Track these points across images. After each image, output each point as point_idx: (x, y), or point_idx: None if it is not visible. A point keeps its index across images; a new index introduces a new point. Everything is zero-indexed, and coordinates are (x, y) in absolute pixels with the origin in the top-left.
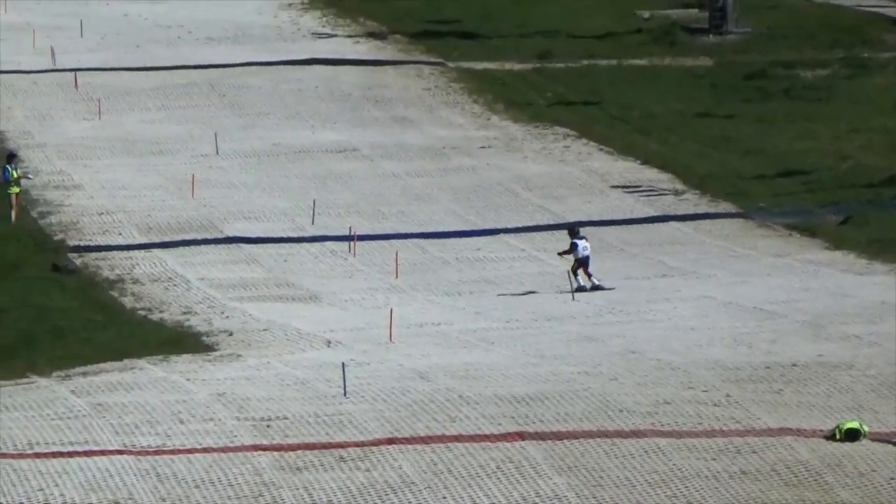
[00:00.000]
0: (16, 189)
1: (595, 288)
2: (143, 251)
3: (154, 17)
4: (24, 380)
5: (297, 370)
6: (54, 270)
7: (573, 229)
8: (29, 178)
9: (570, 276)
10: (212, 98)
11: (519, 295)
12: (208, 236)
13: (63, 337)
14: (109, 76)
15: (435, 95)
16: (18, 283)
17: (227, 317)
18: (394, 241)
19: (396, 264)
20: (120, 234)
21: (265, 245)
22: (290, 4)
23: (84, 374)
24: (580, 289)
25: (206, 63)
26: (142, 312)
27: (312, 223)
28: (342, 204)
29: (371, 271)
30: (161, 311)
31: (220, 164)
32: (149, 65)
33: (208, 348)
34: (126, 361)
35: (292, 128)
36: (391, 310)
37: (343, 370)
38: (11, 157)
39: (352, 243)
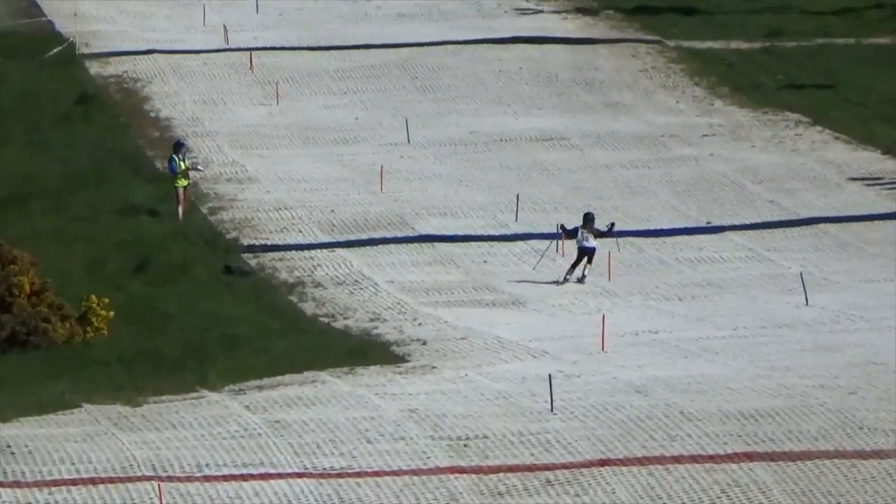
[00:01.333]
0: (184, 182)
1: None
2: (325, 251)
3: None
4: (194, 394)
5: (498, 383)
6: (226, 273)
7: (585, 217)
8: (199, 171)
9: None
10: (403, 81)
11: (744, 299)
12: (399, 234)
13: (236, 347)
14: (289, 57)
15: (652, 78)
16: (186, 286)
17: (420, 324)
18: (609, 240)
19: (609, 265)
20: (300, 231)
21: (462, 244)
22: None
23: (259, 388)
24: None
25: (396, 42)
26: (324, 319)
27: (516, 219)
28: (548, 198)
29: (578, 270)
30: (346, 318)
31: (411, 154)
32: (332, 44)
33: (399, 359)
34: (306, 374)
35: (492, 114)
36: (603, 316)
37: (550, 383)
38: (179, 145)
39: (560, 242)
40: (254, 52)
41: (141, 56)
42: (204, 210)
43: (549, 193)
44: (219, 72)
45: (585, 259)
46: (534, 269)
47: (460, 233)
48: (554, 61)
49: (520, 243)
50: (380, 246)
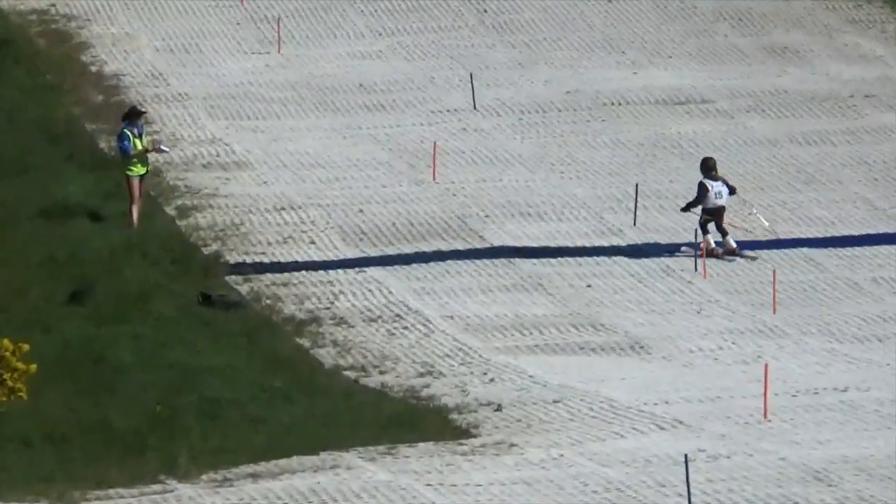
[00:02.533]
0: (140, 169)
1: (730, 253)
2: (350, 271)
3: None
4: (156, 487)
5: (609, 468)
6: (204, 304)
7: (706, 163)
8: (162, 151)
9: (703, 234)
10: (464, 15)
11: None
12: (460, 246)
13: (219, 415)
14: None
15: (836, 11)
16: (145, 325)
17: (493, 380)
18: (770, 252)
19: (774, 290)
20: (312, 241)
21: (555, 260)
22: None
23: (254, 476)
24: (709, 252)
25: None
26: (350, 373)
27: (634, 223)
28: (681, 190)
29: (732, 301)
30: (382, 372)
31: (478, 125)
32: None
33: (462, 433)
34: (324, 456)
35: (599, 65)
36: (766, 366)
37: (686, 468)
38: (133, 115)
39: (699, 256)
40: None
41: None
42: (170, 210)
43: (683, 183)
44: (192, 4)
45: (715, 222)
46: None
47: (551, 243)
48: None
49: (641, 259)
50: (432, 263)
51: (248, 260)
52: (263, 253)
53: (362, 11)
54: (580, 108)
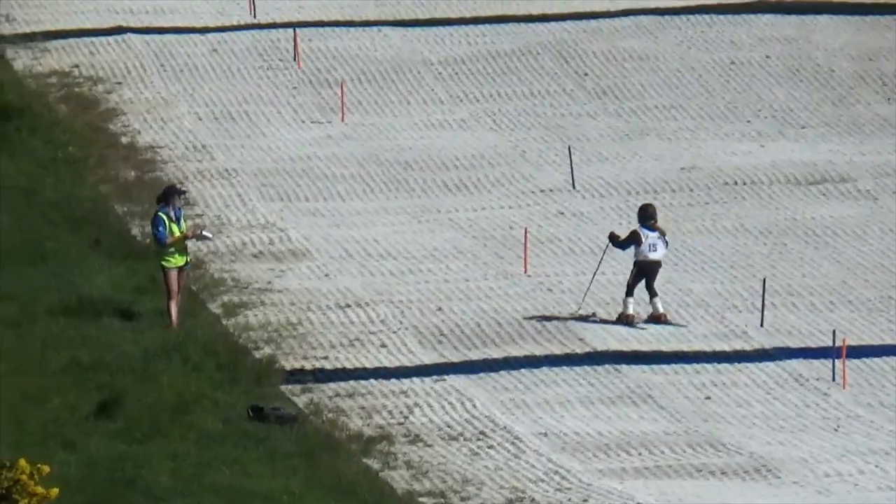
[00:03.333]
0: (177, 259)
1: (654, 319)
2: (427, 379)
3: None
4: None
5: None
6: (254, 418)
7: (646, 210)
8: (205, 238)
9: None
10: (560, 79)
11: None
12: (557, 350)
13: None
14: (360, 38)
15: None
16: (185, 442)
17: None
18: None
19: None
20: (383, 345)
21: (667, 366)
22: None
23: None
24: (625, 318)
25: (546, 13)
26: (426, 500)
27: (761, 323)
28: (818, 285)
29: (875, 417)
30: (465, 498)
31: (577, 207)
32: (436, 15)
33: None
34: None
35: (719, 135)
36: None
37: None
38: (170, 195)
39: (838, 358)
40: (300, 32)
41: (103, 38)
42: (215, 308)
43: (818, 277)
44: (240, 65)
45: (645, 280)
46: (578, 309)
47: (664, 347)
48: (827, 44)
49: (769, 365)
50: (523, 371)
51: (307, 366)
52: (325, 357)
53: (440, 74)
54: (697, 188)
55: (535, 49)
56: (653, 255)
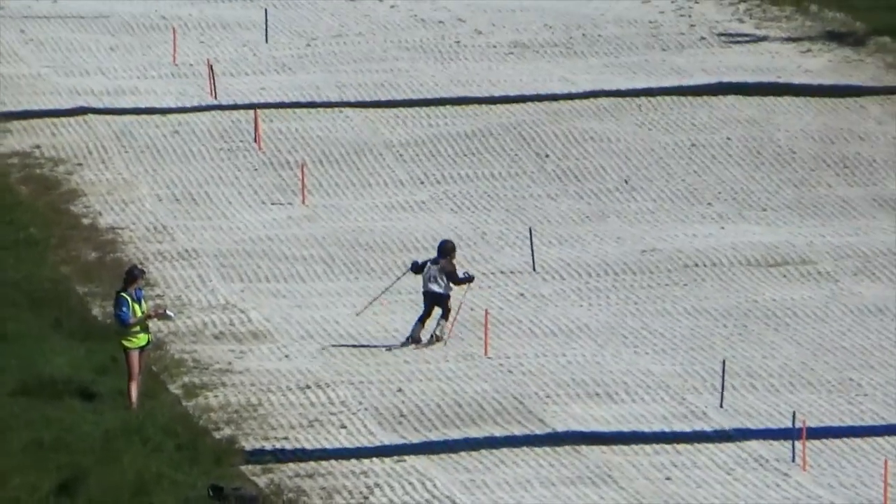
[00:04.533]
0: (139, 340)
1: (415, 341)
2: (388, 460)
3: (410, 6)
4: None
5: None
6: (215, 498)
7: (445, 246)
8: (168, 318)
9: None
10: (522, 161)
11: None
12: (516, 430)
13: None
14: (321, 119)
15: None
16: None
17: None
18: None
19: (886, 484)
20: (343, 425)
21: (627, 447)
22: None
23: None
24: (412, 338)
25: (508, 94)
26: None
27: (721, 404)
28: (778, 366)
29: (836, 498)
30: None
31: (538, 290)
32: (397, 97)
33: None
34: None
35: (680, 217)
36: None
37: None
38: (133, 277)
39: (798, 439)
40: (261, 112)
41: (65, 119)
42: (175, 389)
43: (778, 359)
44: (201, 146)
45: (437, 310)
46: (357, 314)
47: (624, 428)
48: (789, 126)
49: (729, 446)
50: (483, 452)
51: (268, 446)
52: (286, 438)
53: (401, 156)
54: (657, 271)
55: (496, 131)
56: (431, 287)
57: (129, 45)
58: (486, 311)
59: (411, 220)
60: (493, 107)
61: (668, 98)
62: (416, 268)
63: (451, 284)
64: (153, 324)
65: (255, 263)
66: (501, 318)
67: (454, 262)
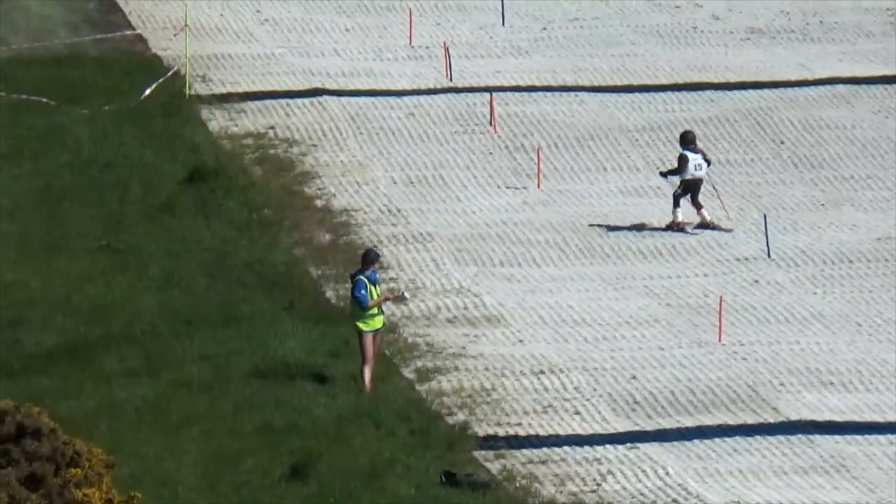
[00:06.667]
0: (374, 323)
1: (703, 226)
2: (621, 447)
3: None
4: None
5: None
6: (447, 484)
7: (686, 136)
8: (404, 300)
9: (673, 207)
10: (756, 146)
11: None
12: (749, 419)
13: None
14: (556, 104)
15: None
16: None
17: None
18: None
19: None
20: (577, 412)
21: (861, 437)
22: None
23: None
24: (676, 226)
25: (745, 79)
26: None
27: None
28: None
29: None
30: None
31: (772, 277)
32: (632, 81)
33: None
34: None
35: None
36: None
37: None
38: (370, 260)
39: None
40: (496, 95)
41: (299, 100)
42: (408, 373)
43: None
44: (435, 129)
45: (690, 195)
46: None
47: (857, 418)
48: None
49: None
50: (716, 440)
51: (501, 432)
52: (519, 424)
53: (637, 141)
54: (892, 259)
55: (732, 117)
56: (698, 174)
57: (364, 27)
58: (720, 297)
59: (646, 205)
60: (728, 93)
61: None
62: (670, 171)
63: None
64: (386, 307)
65: (490, 247)
66: (736, 304)
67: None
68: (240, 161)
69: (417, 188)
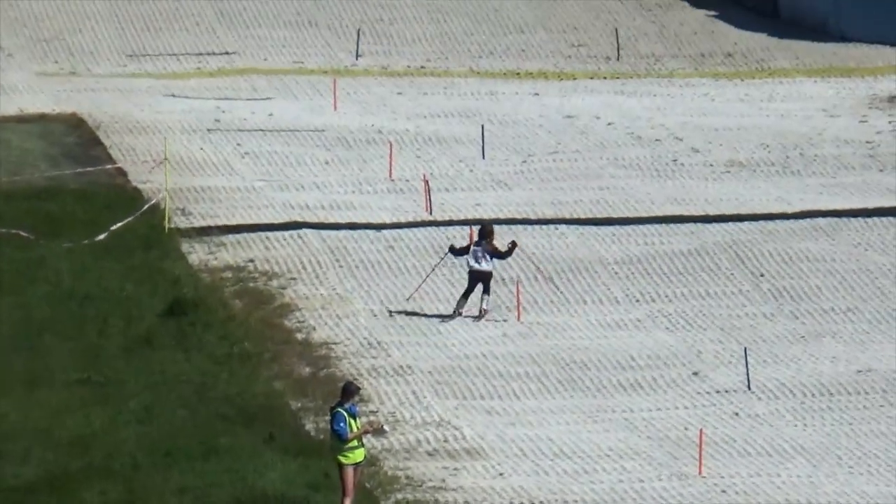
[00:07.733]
0: (355, 456)
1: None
2: None
3: (627, 124)
4: None
5: None
6: None
7: (484, 229)
8: (383, 433)
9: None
10: (737, 280)
11: None
12: None
13: None
14: (537, 236)
15: None
16: None
17: None
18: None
19: None
20: None
21: None
22: (893, 97)
23: None
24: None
25: (724, 212)
26: None
27: None
28: None
29: None
30: None
31: (753, 409)
32: (606, 215)
33: None
34: None
35: (892, 337)
36: None
37: None
38: (349, 392)
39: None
40: (475, 229)
41: (279, 233)
42: None
43: None
44: (416, 261)
45: (480, 286)
46: (407, 299)
47: None
48: None
49: None
50: None
51: None
52: None
53: (616, 274)
54: (873, 391)
55: (712, 249)
56: (481, 266)
57: (344, 160)
58: (700, 430)
59: (626, 338)
60: (708, 225)
61: (884, 219)
62: (455, 251)
63: (498, 260)
64: (367, 439)
65: (470, 380)
66: (716, 437)
67: (493, 242)
68: (220, 294)
69: (398, 321)
